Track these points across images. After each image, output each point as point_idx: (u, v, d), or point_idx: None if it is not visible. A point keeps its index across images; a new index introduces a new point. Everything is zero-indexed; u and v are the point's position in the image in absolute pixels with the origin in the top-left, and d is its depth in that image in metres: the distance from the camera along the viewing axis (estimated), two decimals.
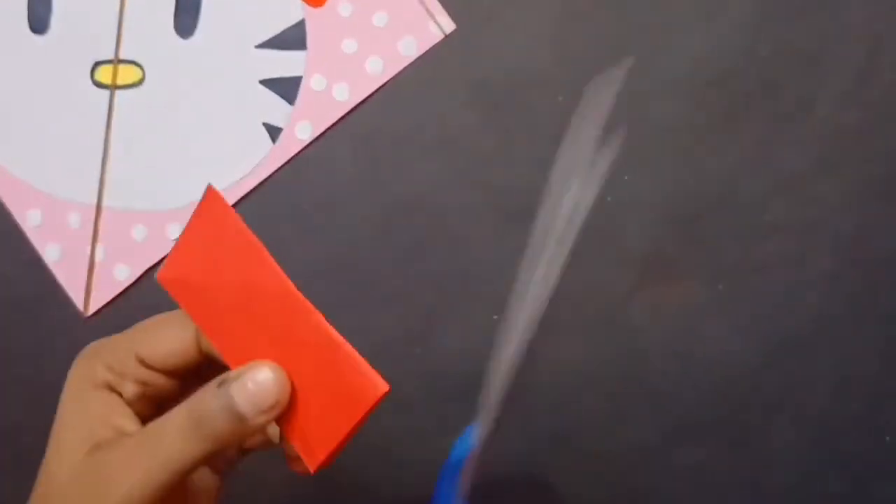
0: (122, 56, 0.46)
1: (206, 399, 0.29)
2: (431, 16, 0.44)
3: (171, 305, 0.46)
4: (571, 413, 0.44)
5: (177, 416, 0.29)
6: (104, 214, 0.46)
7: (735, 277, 0.43)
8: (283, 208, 0.46)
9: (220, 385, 0.29)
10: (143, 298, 0.46)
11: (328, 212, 0.45)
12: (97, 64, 0.46)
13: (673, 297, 0.44)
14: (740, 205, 0.43)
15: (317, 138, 0.45)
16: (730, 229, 0.43)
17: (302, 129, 0.45)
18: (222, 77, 0.46)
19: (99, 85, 0.46)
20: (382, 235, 0.45)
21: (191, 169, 0.46)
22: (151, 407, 0.32)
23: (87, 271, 0.46)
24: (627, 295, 0.44)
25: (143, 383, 0.32)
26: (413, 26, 0.45)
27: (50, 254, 0.47)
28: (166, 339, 0.32)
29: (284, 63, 0.45)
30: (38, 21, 0.46)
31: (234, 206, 0.46)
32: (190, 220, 0.32)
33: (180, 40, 0.46)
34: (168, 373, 0.32)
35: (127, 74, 0.46)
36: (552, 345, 0.44)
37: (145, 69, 0.46)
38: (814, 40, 0.43)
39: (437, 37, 0.44)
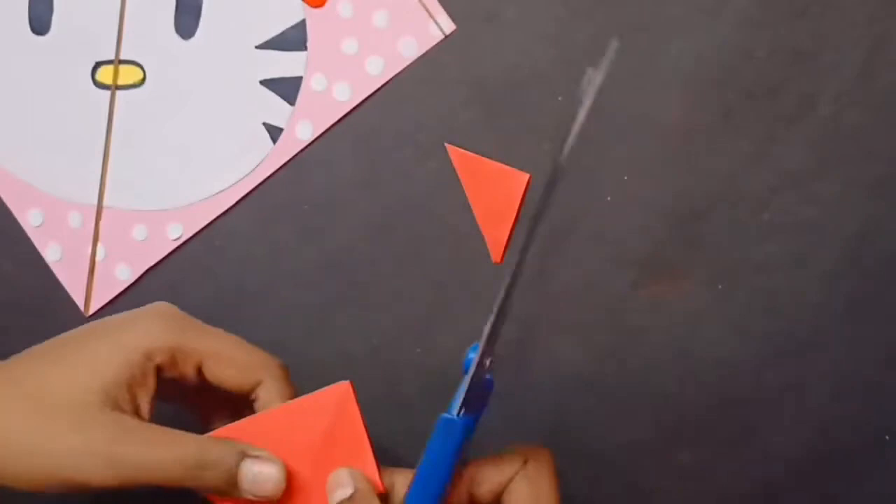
0: (122, 56, 0.46)
1: (218, 455, 0.32)
2: (431, 16, 0.44)
3: (173, 303, 0.46)
4: (571, 413, 0.44)
5: (188, 446, 0.32)
6: (105, 214, 0.46)
7: (735, 277, 0.43)
8: (283, 208, 0.46)
9: (238, 453, 0.33)
10: (143, 298, 0.46)
11: (328, 212, 0.46)
12: (98, 64, 0.46)
13: (673, 297, 0.44)
14: (740, 205, 0.43)
15: (317, 138, 0.45)
16: (730, 229, 0.43)
17: (302, 129, 0.45)
18: (223, 77, 0.46)
19: (100, 85, 0.46)
20: (382, 235, 0.45)
21: (191, 169, 0.46)
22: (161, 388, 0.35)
23: (88, 271, 0.47)
24: (627, 295, 0.44)
25: (182, 378, 0.35)
26: (413, 26, 0.45)
27: (51, 254, 0.47)
28: (233, 367, 0.35)
29: (285, 63, 0.45)
30: (39, 22, 0.46)
31: (234, 206, 0.46)
32: (307, 399, 0.35)
33: (181, 41, 0.46)
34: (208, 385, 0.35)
35: (128, 75, 0.46)
36: (552, 345, 0.44)
37: (146, 69, 0.46)
38: (814, 40, 0.43)
39: (437, 37, 0.45)
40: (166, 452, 0.32)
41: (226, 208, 0.46)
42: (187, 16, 0.46)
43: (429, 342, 0.45)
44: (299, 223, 0.46)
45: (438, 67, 0.44)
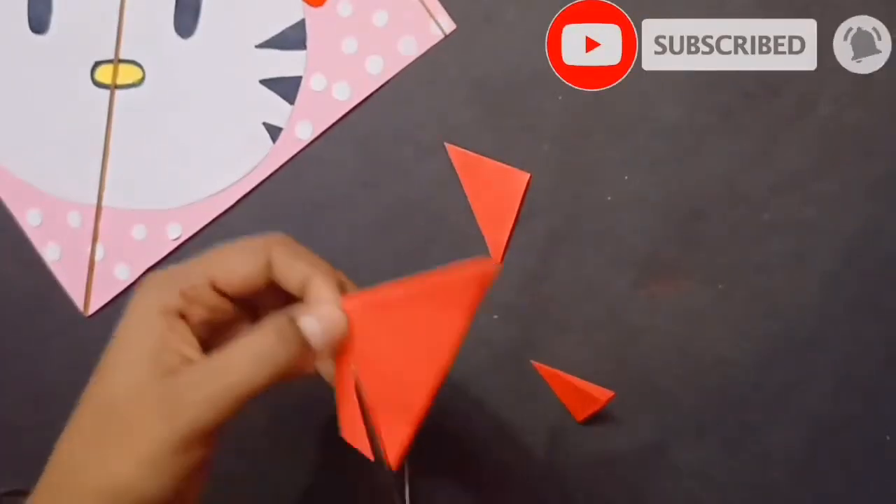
0: (122, 56, 0.46)
1: (275, 330, 0.31)
2: (431, 16, 0.44)
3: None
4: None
5: (246, 346, 0.31)
6: (104, 214, 0.46)
7: (735, 277, 0.43)
8: (283, 208, 0.46)
9: (289, 319, 0.31)
10: None
11: (328, 212, 0.45)
12: (97, 64, 0.46)
13: (673, 297, 0.44)
14: (740, 205, 0.43)
15: (317, 138, 0.45)
16: (730, 229, 0.43)
17: (302, 129, 0.45)
18: (222, 77, 0.46)
19: (99, 85, 0.46)
20: (382, 235, 0.45)
21: (191, 168, 0.46)
22: (209, 331, 0.33)
23: (88, 271, 0.46)
24: (627, 295, 0.44)
25: (211, 308, 0.33)
26: (413, 26, 0.45)
27: (50, 253, 0.47)
28: (241, 265, 0.33)
29: (284, 63, 0.45)
30: (39, 21, 0.46)
31: (234, 206, 0.46)
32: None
33: (180, 40, 0.46)
34: (236, 298, 0.33)
35: (127, 74, 0.46)
36: (552, 345, 0.44)
37: (145, 69, 0.46)
38: None
39: (437, 37, 0.45)
40: (234, 373, 0.30)
41: (226, 208, 0.46)
42: (187, 15, 0.46)
43: None
44: (299, 223, 0.46)
45: (438, 67, 0.44)
